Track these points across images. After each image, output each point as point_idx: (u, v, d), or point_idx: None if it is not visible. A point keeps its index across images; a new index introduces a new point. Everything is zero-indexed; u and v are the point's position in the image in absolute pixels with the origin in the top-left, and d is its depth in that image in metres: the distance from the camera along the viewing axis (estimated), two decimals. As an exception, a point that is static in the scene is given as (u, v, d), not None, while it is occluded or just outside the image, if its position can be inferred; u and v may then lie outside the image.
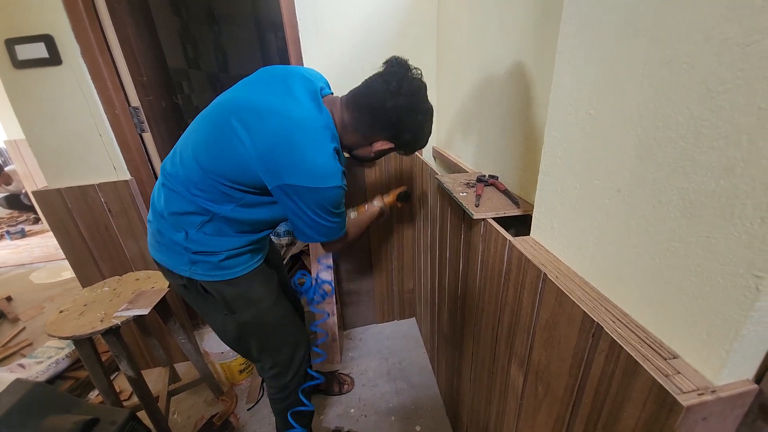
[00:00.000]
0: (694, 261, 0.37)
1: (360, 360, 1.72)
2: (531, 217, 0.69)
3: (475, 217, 0.79)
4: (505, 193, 0.88)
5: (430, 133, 0.87)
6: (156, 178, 1.53)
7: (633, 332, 0.43)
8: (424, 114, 0.83)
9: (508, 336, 0.74)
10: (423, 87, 0.82)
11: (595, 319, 0.46)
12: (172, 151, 0.84)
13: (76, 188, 1.38)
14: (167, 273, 0.85)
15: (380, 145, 0.85)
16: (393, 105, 0.78)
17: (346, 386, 1.48)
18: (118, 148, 1.38)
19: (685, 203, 0.37)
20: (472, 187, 0.96)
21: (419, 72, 0.83)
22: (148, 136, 1.46)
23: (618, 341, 0.42)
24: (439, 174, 1.10)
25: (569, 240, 0.57)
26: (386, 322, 1.99)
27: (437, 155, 1.53)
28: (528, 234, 0.70)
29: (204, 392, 1.59)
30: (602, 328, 0.44)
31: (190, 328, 1.88)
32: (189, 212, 0.79)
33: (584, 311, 0.47)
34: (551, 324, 0.57)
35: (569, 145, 0.54)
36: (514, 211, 0.80)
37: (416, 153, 1.48)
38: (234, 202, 0.78)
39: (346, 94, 0.85)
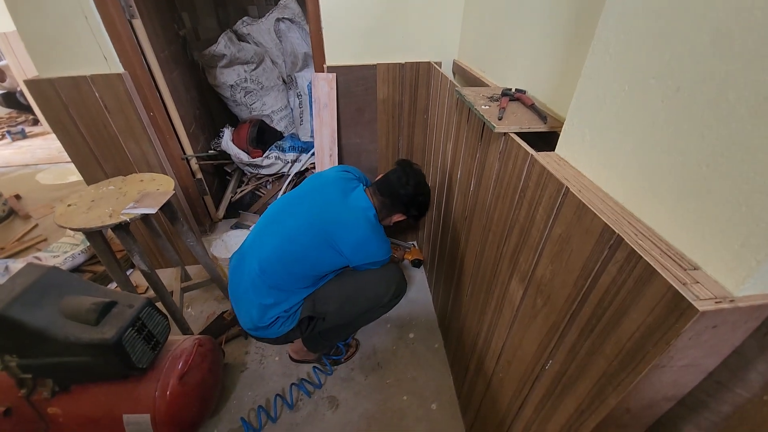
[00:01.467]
0: (750, 167, 0.33)
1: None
2: (557, 135, 0.64)
3: (496, 131, 0.74)
4: (532, 108, 0.81)
5: (430, 204, 1.29)
6: (151, 72, 1.48)
7: (655, 245, 0.42)
8: (425, 196, 1.20)
9: (514, 253, 0.75)
10: (423, 177, 1.19)
11: (616, 230, 0.44)
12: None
13: (68, 79, 1.30)
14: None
15: (397, 218, 1.20)
16: (404, 192, 1.14)
17: (351, 349, 1.52)
18: (107, 34, 1.26)
19: (758, 98, 0.32)
20: (496, 101, 0.89)
21: (418, 167, 1.20)
22: (138, 23, 1.32)
23: (637, 251, 0.41)
24: (459, 87, 1.02)
25: (600, 152, 0.53)
26: (400, 241, 2.05)
27: (458, 70, 1.40)
28: (553, 151, 0.66)
29: (215, 291, 1.71)
30: (622, 239, 0.43)
31: (199, 234, 1.96)
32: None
33: (605, 223, 0.46)
34: (564, 238, 0.56)
35: (627, 38, 0.46)
36: (540, 127, 0.74)
37: (434, 66, 1.37)
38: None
39: (372, 186, 1.18)
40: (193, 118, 2.09)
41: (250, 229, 1.24)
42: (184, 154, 1.91)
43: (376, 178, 1.24)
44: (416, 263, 1.83)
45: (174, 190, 1.24)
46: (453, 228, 1.23)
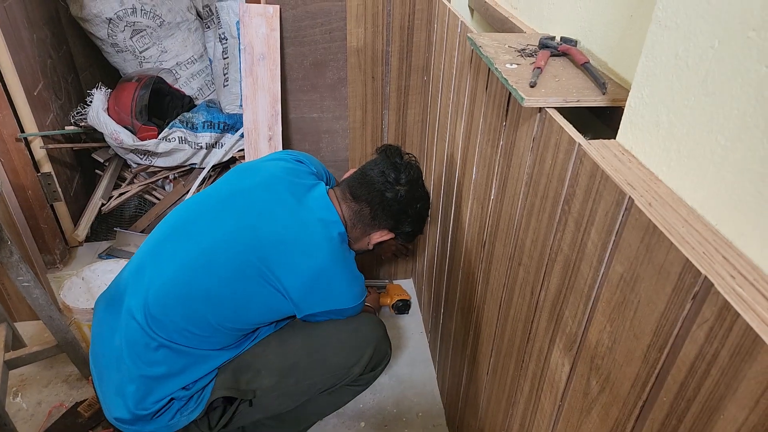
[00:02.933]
0: None
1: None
2: (622, 112, 0.66)
3: (526, 104, 0.75)
4: (586, 68, 0.84)
5: (428, 218, 1.34)
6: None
7: (762, 294, 0.43)
8: (424, 202, 1.25)
9: (555, 302, 0.76)
10: (419, 173, 1.23)
11: (702, 270, 0.45)
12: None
13: None
14: None
15: (379, 236, 1.23)
16: (393, 196, 1.16)
17: None
18: None
19: None
20: (530, 56, 0.92)
21: (413, 157, 1.25)
22: None
23: (733, 305, 0.41)
24: (476, 33, 1.05)
25: (683, 143, 0.55)
26: (371, 279, 2.05)
27: (476, 4, 1.44)
28: (613, 138, 0.68)
29: (65, 367, 1.67)
30: (711, 284, 0.44)
31: (41, 267, 1.92)
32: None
33: (686, 258, 0.47)
34: (627, 282, 0.57)
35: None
36: (596, 100, 0.76)
37: (439, -5, 1.40)
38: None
39: (339, 186, 1.22)
40: (42, 73, 2.08)
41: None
42: (22, 131, 1.89)
43: (345, 175, 1.25)
44: (401, 307, 1.90)
45: (-1, 192, 1.23)
46: (465, 258, 1.24)
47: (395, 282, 2.02)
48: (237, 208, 1.10)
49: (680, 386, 0.49)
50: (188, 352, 1.07)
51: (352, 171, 1.26)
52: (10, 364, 1.48)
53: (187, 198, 1.49)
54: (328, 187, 1.21)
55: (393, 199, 1.16)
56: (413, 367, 1.74)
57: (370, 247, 1.26)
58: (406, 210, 1.19)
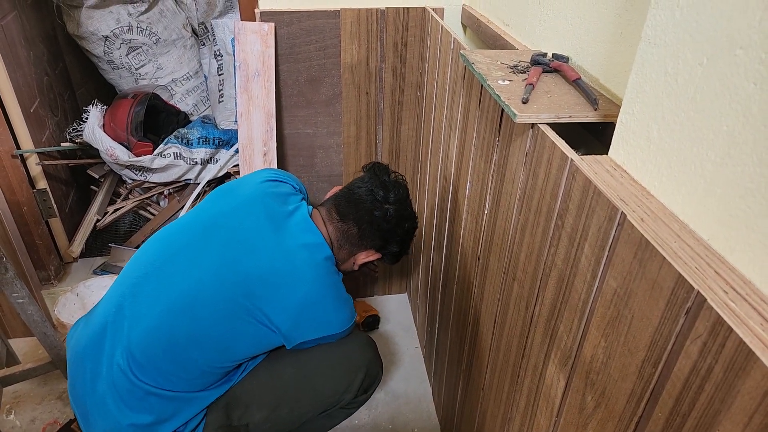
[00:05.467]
0: None
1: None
2: (614, 128, 0.67)
3: (518, 120, 0.76)
4: (577, 85, 0.85)
5: (414, 239, 1.28)
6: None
7: (754, 308, 0.43)
8: (412, 221, 1.22)
9: (550, 317, 0.76)
10: (407, 192, 1.20)
11: (694, 285, 0.45)
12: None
13: None
14: None
15: (365, 257, 1.20)
16: (382, 215, 1.13)
17: None
18: None
19: None
20: (522, 72, 0.93)
21: (400, 176, 1.22)
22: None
23: (726, 319, 0.41)
24: (468, 50, 1.06)
25: (673, 159, 0.55)
26: (364, 297, 2.05)
27: (469, 22, 1.46)
28: (605, 153, 0.69)
29: (59, 383, 1.65)
30: (704, 299, 0.44)
31: (36, 283, 1.91)
32: None
33: (679, 273, 0.47)
34: (621, 297, 0.57)
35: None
36: (588, 116, 0.77)
37: (431, 14, 1.42)
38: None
39: (324, 205, 1.19)
40: (38, 90, 2.09)
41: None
42: (18, 148, 1.89)
43: (329, 193, 1.24)
44: (371, 323, 1.90)
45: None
46: (460, 273, 1.24)
47: (359, 300, 2.00)
48: (217, 242, 1.06)
49: (675, 402, 0.49)
50: (177, 397, 1.04)
51: (336, 189, 1.24)
52: (4, 381, 1.45)
53: (175, 218, 1.42)
54: (311, 207, 1.19)
55: (382, 218, 1.13)
56: (408, 382, 1.72)
57: (356, 267, 1.23)
58: (394, 230, 1.17)
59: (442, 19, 1.43)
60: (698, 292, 0.45)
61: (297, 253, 1.05)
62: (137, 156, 2.14)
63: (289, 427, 1.15)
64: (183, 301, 1.01)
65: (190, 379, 1.04)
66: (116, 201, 2.33)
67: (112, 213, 2.26)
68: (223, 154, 2.24)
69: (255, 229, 1.06)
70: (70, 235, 2.18)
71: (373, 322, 1.89)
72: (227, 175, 2.29)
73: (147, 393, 1.01)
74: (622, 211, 0.56)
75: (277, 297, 1.02)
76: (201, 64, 2.59)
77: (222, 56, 2.35)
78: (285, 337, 1.06)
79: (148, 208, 2.32)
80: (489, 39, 1.28)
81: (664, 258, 0.49)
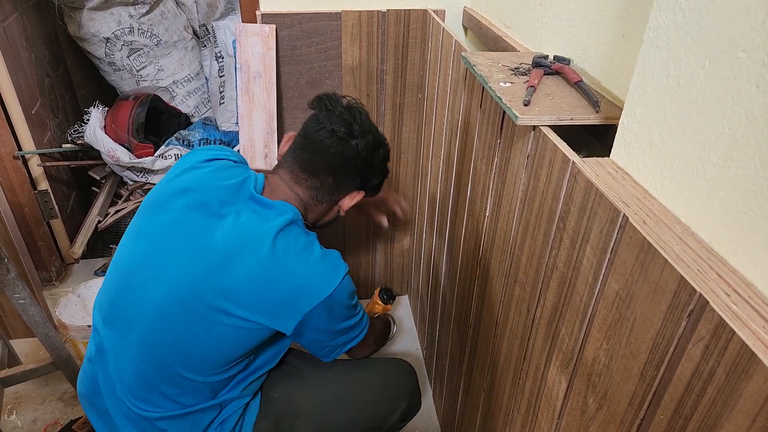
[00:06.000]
0: None
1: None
2: (616, 128, 0.66)
3: (520, 122, 0.76)
4: (579, 87, 0.84)
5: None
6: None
7: (756, 311, 0.43)
8: (384, 145, 1.09)
9: (551, 319, 0.75)
10: (367, 113, 1.06)
11: (696, 287, 0.45)
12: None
13: None
14: None
15: (350, 200, 1.09)
16: (354, 153, 1.01)
17: None
18: None
19: None
20: (524, 74, 0.92)
21: (352, 99, 1.08)
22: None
23: (729, 322, 0.41)
24: (470, 52, 1.06)
25: (676, 162, 0.55)
26: (364, 299, 2.04)
27: (470, 24, 1.46)
28: (607, 155, 0.69)
29: (60, 384, 1.65)
30: (707, 302, 0.44)
31: (38, 284, 1.91)
32: None
33: (681, 275, 0.47)
34: (623, 299, 0.57)
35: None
36: (589, 118, 0.77)
37: (432, 15, 1.42)
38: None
39: (284, 165, 1.05)
40: (40, 91, 2.09)
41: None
42: (20, 149, 1.89)
43: (281, 148, 1.11)
44: (386, 294, 1.61)
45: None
46: (461, 275, 1.24)
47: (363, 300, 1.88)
48: (166, 254, 0.94)
49: (677, 404, 0.49)
50: (189, 415, 0.99)
51: (287, 141, 1.10)
52: (6, 382, 1.46)
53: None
54: (261, 176, 1.05)
55: (355, 157, 1.01)
56: (410, 383, 1.72)
57: (342, 213, 1.13)
58: (371, 162, 1.05)
59: (443, 21, 1.43)
60: (700, 294, 0.45)
61: (243, 231, 0.93)
62: (138, 157, 2.14)
63: None
64: (153, 326, 0.93)
65: (195, 391, 0.98)
66: (117, 202, 2.33)
67: (114, 214, 2.26)
68: (224, 156, 2.24)
69: (196, 225, 0.95)
70: (72, 236, 2.18)
71: (387, 293, 1.61)
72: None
73: (160, 419, 0.98)
74: (624, 214, 0.56)
75: (235, 286, 0.90)
76: (202, 66, 2.60)
77: (223, 58, 2.35)
78: (271, 323, 0.94)
79: (149, 209, 2.32)
80: (490, 41, 1.28)
81: (667, 260, 0.49)
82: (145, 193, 2.31)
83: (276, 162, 1.11)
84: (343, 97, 1.06)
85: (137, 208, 2.22)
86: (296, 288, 0.92)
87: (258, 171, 1.07)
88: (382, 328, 1.33)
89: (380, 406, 1.14)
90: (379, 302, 1.57)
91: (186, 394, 0.97)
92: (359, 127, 1.01)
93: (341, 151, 1.00)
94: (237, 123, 2.35)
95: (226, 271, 0.90)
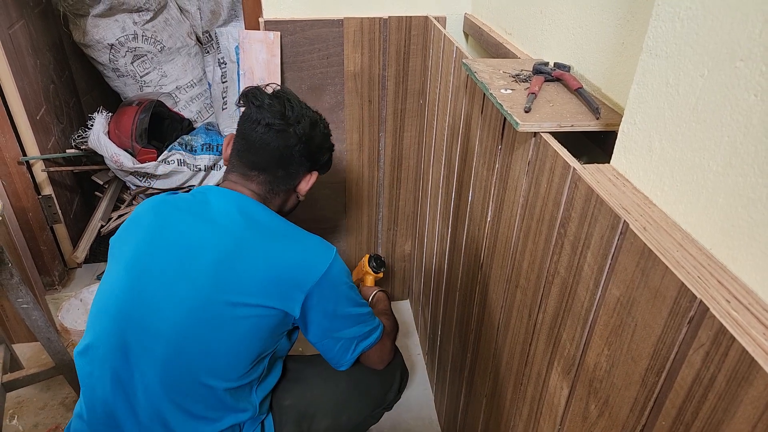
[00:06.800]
0: None
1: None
2: (616, 134, 0.67)
3: (521, 129, 0.76)
4: (579, 94, 0.85)
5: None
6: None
7: (756, 318, 0.43)
8: (322, 121, 1.10)
9: (553, 324, 0.76)
10: (292, 95, 1.05)
11: (696, 294, 0.45)
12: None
13: None
14: None
15: (306, 184, 1.10)
16: (296, 140, 1.01)
17: None
18: None
19: None
20: (524, 81, 0.93)
21: (275, 85, 1.09)
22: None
23: (729, 329, 0.41)
24: (471, 58, 1.06)
25: (675, 169, 0.55)
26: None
27: (471, 30, 1.47)
28: (608, 162, 0.69)
29: (62, 389, 1.65)
30: (707, 308, 0.44)
31: (41, 288, 1.91)
32: None
33: (681, 282, 0.47)
34: (624, 305, 0.57)
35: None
36: (590, 125, 0.77)
37: (434, 23, 1.43)
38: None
39: (232, 169, 1.05)
40: (45, 97, 2.10)
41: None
42: (24, 154, 1.90)
43: (225, 152, 1.10)
44: (375, 261, 1.51)
45: (1, 214, 1.22)
46: (462, 280, 1.24)
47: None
48: (169, 273, 0.94)
49: (678, 411, 0.49)
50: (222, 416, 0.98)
51: (227, 144, 1.09)
52: (8, 386, 1.45)
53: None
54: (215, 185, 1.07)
55: (298, 143, 1.01)
56: (410, 389, 1.71)
57: (302, 197, 1.14)
58: (314, 143, 1.05)
59: (445, 28, 1.44)
60: (701, 301, 0.45)
61: (231, 225, 0.95)
62: (141, 162, 2.15)
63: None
64: (174, 343, 0.93)
65: (217, 404, 0.97)
66: (120, 207, 2.34)
67: (116, 219, 2.27)
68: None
69: (192, 232, 0.96)
70: (75, 240, 2.19)
71: (377, 261, 1.52)
72: (231, 182, 2.29)
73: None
74: (625, 220, 0.56)
75: (241, 279, 0.92)
76: (205, 72, 2.61)
77: (226, 64, 2.36)
78: (282, 305, 0.94)
79: (152, 214, 2.33)
80: (491, 47, 1.28)
81: (667, 267, 0.49)
82: (147, 197, 2.32)
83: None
84: (267, 86, 1.06)
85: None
86: (294, 265, 0.95)
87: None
88: (393, 328, 1.26)
89: (379, 388, 1.19)
90: (369, 270, 1.49)
91: (209, 408, 0.96)
92: (292, 113, 1.01)
93: (283, 143, 1.00)
94: (240, 128, 2.36)
95: (229, 270, 0.92)
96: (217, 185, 1.05)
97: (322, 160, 1.12)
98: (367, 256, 1.52)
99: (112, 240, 1.03)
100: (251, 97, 1.02)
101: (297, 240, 0.99)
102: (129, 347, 0.94)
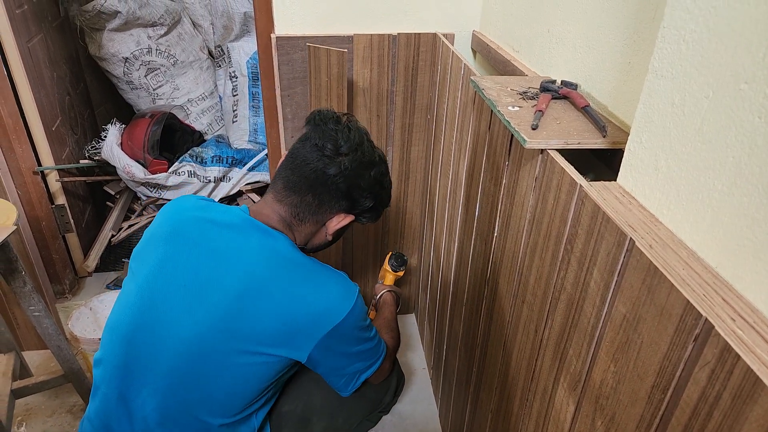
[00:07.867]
0: None
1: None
2: (623, 155, 0.67)
3: (528, 146, 0.77)
4: (586, 111, 0.86)
5: (392, 185, 1.08)
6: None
7: (761, 336, 0.43)
8: (378, 166, 1.01)
9: (559, 340, 0.76)
10: (364, 134, 1.00)
11: (702, 312, 0.45)
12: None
13: None
14: None
15: (336, 223, 1.02)
16: (337, 170, 0.95)
17: None
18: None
19: None
20: (532, 98, 0.94)
21: (351, 117, 1.02)
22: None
23: (734, 347, 0.42)
24: (479, 76, 1.07)
25: (681, 187, 0.56)
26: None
27: (479, 47, 1.49)
28: (614, 179, 0.69)
29: (69, 397, 1.66)
30: (712, 326, 0.44)
31: (51, 297, 1.92)
32: None
33: (687, 299, 0.47)
34: (630, 322, 0.57)
35: (708, 19, 0.50)
36: (596, 142, 0.78)
37: (442, 40, 1.44)
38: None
39: (271, 186, 1.02)
40: (60, 109, 2.13)
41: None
42: (39, 165, 1.93)
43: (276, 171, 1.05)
44: (397, 260, 1.51)
45: (16, 223, 1.24)
46: (468, 295, 1.24)
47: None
48: (177, 309, 0.91)
49: (684, 428, 0.49)
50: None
51: (280, 161, 1.04)
52: (17, 393, 1.46)
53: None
54: (245, 206, 1.03)
55: (338, 175, 0.94)
56: (415, 404, 1.71)
57: (330, 237, 1.05)
58: (357, 183, 0.97)
59: (453, 45, 1.45)
60: (706, 319, 0.45)
61: (250, 266, 0.91)
62: (153, 174, 2.17)
63: None
64: (175, 376, 0.92)
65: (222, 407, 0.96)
66: (131, 217, 2.36)
67: (127, 229, 2.29)
68: (236, 173, 2.26)
69: (208, 267, 0.92)
70: (86, 249, 2.21)
71: (399, 258, 1.52)
72: (240, 193, 2.31)
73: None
74: (631, 238, 0.56)
75: (252, 326, 0.90)
76: (216, 85, 2.64)
77: (237, 78, 2.39)
78: (289, 353, 0.93)
79: (162, 224, 2.35)
80: (499, 65, 1.30)
81: (673, 284, 0.49)
82: (158, 208, 2.34)
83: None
84: (345, 114, 1.02)
85: (150, 222, 2.26)
86: (309, 314, 0.91)
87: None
88: (395, 335, 1.27)
89: (376, 392, 1.18)
90: (390, 270, 1.50)
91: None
92: (347, 145, 0.95)
93: (323, 168, 0.94)
94: (249, 140, 2.38)
95: (240, 315, 0.89)
96: (254, 203, 1.01)
97: (362, 206, 1.02)
98: (390, 253, 1.51)
99: (135, 250, 1.01)
100: (318, 116, 0.99)
101: (317, 285, 0.93)
102: (132, 372, 0.93)
